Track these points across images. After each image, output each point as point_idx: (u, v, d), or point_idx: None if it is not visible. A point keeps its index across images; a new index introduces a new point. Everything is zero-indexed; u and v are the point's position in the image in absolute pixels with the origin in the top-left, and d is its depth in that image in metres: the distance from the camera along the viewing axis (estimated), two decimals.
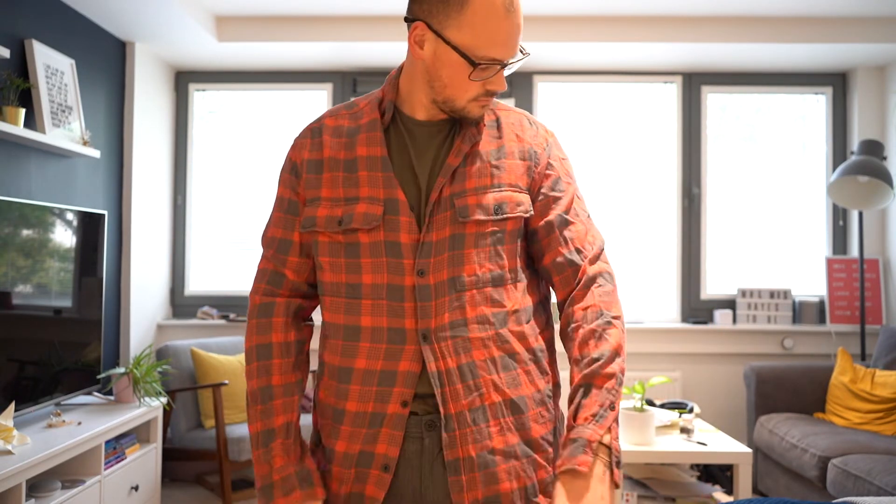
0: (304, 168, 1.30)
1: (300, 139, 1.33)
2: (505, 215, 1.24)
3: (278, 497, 1.22)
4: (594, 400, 1.18)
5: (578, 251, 1.28)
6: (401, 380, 1.20)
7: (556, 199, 1.29)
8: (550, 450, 1.27)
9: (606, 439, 1.16)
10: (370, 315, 1.22)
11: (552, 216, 1.28)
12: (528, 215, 1.27)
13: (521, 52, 1.24)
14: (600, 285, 1.27)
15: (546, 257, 1.29)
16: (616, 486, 1.16)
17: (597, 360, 1.20)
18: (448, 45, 1.19)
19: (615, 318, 1.24)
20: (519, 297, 1.26)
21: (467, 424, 1.20)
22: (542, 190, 1.29)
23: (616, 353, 1.21)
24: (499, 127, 1.32)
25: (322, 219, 1.25)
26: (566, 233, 1.28)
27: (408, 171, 1.26)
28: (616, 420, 1.19)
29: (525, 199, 1.27)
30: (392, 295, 1.21)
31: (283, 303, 1.32)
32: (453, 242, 1.22)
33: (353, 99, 1.38)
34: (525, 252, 1.31)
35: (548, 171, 1.30)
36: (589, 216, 1.34)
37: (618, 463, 1.17)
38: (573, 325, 1.25)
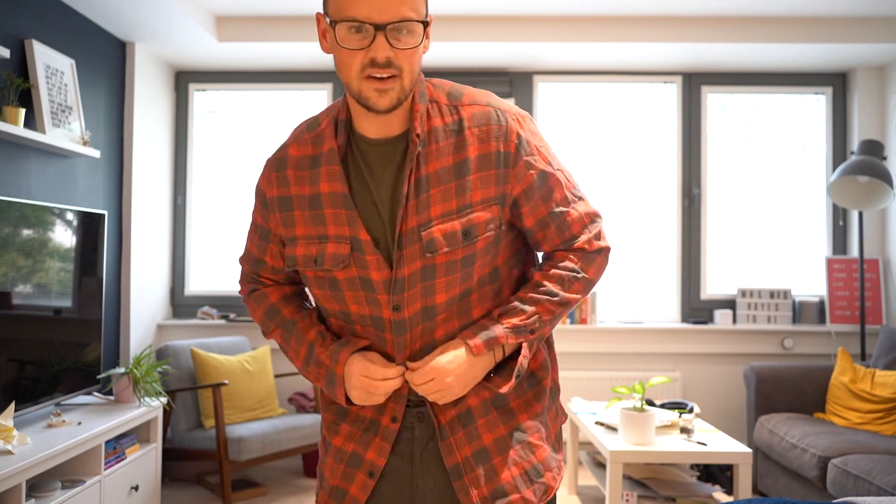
0: (275, 205, 1.29)
1: (266, 171, 1.31)
2: (474, 239, 1.21)
3: (338, 371, 1.26)
4: (524, 315, 1.25)
5: (575, 236, 1.30)
6: (392, 396, 1.28)
7: (545, 195, 1.26)
8: (543, 429, 1.32)
9: (508, 350, 1.27)
10: (365, 336, 1.29)
11: (545, 213, 1.27)
12: (499, 230, 1.23)
13: (380, 25, 1.10)
14: (589, 253, 1.31)
15: (544, 247, 1.32)
16: (495, 387, 1.26)
17: (549, 294, 1.27)
18: (330, 26, 1.15)
19: (587, 278, 1.30)
20: (492, 296, 1.29)
21: (459, 429, 1.27)
22: (527, 191, 1.25)
23: (567, 303, 1.28)
24: (460, 132, 1.21)
25: (301, 258, 1.27)
26: (562, 224, 1.28)
27: (370, 206, 1.22)
28: (528, 343, 1.27)
29: (495, 210, 1.22)
30: (375, 325, 1.26)
31: (271, 286, 1.42)
32: (424, 274, 1.21)
33: (318, 114, 1.30)
34: (509, 244, 1.31)
35: (528, 171, 1.24)
36: (581, 197, 1.32)
37: (517, 375, 1.25)
38: (546, 261, 1.32)
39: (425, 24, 1.15)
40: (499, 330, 1.24)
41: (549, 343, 1.39)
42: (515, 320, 1.24)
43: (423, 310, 1.23)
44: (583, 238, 1.29)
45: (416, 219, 1.19)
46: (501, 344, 1.24)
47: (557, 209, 1.28)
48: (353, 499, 1.30)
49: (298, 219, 1.26)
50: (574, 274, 1.29)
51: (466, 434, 1.26)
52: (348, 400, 1.28)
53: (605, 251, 1.32)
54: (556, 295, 1.27)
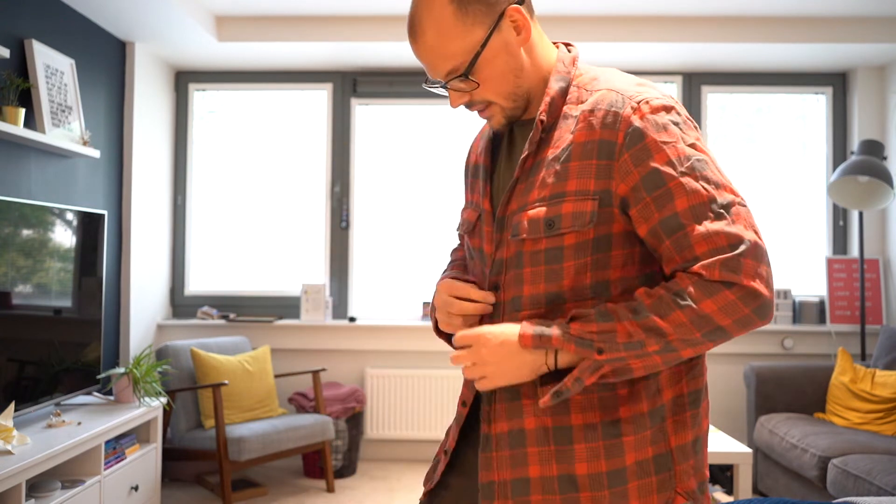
0: (466, 172, 1.39)
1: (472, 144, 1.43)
2: (559, 231, 1.09)
3: (434, 295, 1.27)
4: (597, 327, 1.04)
5: (697, 258, 1.04)
6: (466, 381, 1.26)
7: (660, 200, 1.05)
8: (605, 493, 1.09)
9: (565, 360, 1.07)
10: None
11: (656, 221, 1.06)
12: (590, 226, 1.08)
13: (441, 83, 1.16)
14: (708, 281, 1.04)
15: (665, 266, 1.10)
16: (538, 397, 1.11)
17: (635, 312, 1.04)
18: None
19: (696, 309, 1.02)
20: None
21: (505, 447, 1.14)
22: (634, 191, 1.07)
23: (656, 330, 1.02)
24: (579, 115, 1.13)
25: (461, 220, 1.34)
26: (680, 239, 1.05)
27: (504, 182, 1.24)
28: (597, 364, 1.05)
29: (590, 206, 1.08)
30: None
31: None
32: (518, 260, 1.14)
33: None
34: (634, 259, 1.12)
35: (635, 168, 1.06)
36: (725, 216, 1.04)
37: (556, 394, 1.06)
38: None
39: (476, 56, 1.12)
40: (557, 331, 1.06)
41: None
42: (584, 329, 1.05)
43: (512, 299, 1.15)
44: (706, 262, 1.02)
45: (518, 202, 1.15)
46: (555, 348, 1.06)
47: (675, 220, 1.04)
48: (431, 476, 1.30)
49: (467, 185, 1.36)
50: (677, 298, 1.02)
51: (512, 456, 1.13)
52: (437, 327, 1.31)
53: (739, 288, 1.00)
54: (641, 314, 1.03)
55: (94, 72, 3.76)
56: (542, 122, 1.15)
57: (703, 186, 1.05)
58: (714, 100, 4.65)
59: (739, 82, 4.61)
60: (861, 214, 4.15)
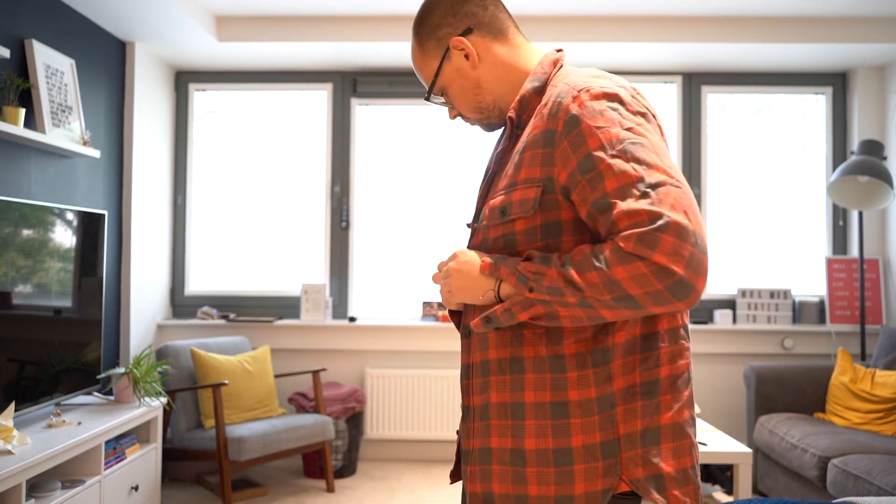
0: None
1: None
2: (510, 217, 1.18)
3: None
4: (535, 269, 1.12)
5: (619, 233, 1.08)
6: (462, 369, 1.32)
7: (593, 181, 1.10)
8: (550, 469, 1.14)
9: (505, 291, 1.17)
10: None
11: (590, 204, 1.11)
12: (533, 212, 1.15)
13: (433, 98, 1.36)
14: (622, 252, 1.07)
15: None
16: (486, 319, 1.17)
17: (564, 263, 1.10)
18: None
19: (607, 273, 1.05)
20: None
21: (478, 418, 1.23)
22: (572, 175, 1.12)
23: (573, 284, 1.07)
24: (538, 109, 1.23)
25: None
26: (608, 218, 1.08)
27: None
28: (528, 302, 1.12)
29: (533, 193, 1.15)
30: None
31: None
32: (484, 247, 1.26)
33: None
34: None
35: (573, 154, 1.12)
36: (650, 195, 1.05)
37: (486, 319, 1.17)
38: None
39: (434, 83, 1.33)
40: (507, 264, 1.15)
41: (611, 354, 1.16)
42: (527, 267, 1.12)
43: None
44: (625, 233, 1.04)
45: (492, 194, 1.27)
46: (500, 279, 1.16)
47: (604, 200, 1.08)
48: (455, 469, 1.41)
49: None
50: (594, 259, 1.06)
51: (482, 427, 1.22)
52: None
53: (651, 263, 1.02)
54: (566, 266, 1.08)
55: (94, 72, 3.76)
56: (511, 118, 1.27)
57: (633, 167, 1.08)
58: (714, 100, 4.65)
59: (739, 82, 4.61)
60: (861, 214, 4.15)
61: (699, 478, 1.21)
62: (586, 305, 1.08)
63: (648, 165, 1.08)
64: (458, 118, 1.39)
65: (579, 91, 1.15)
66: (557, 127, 1.14)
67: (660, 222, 1.02)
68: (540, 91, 1.25)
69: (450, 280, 1.22)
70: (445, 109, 1.28)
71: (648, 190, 1.06)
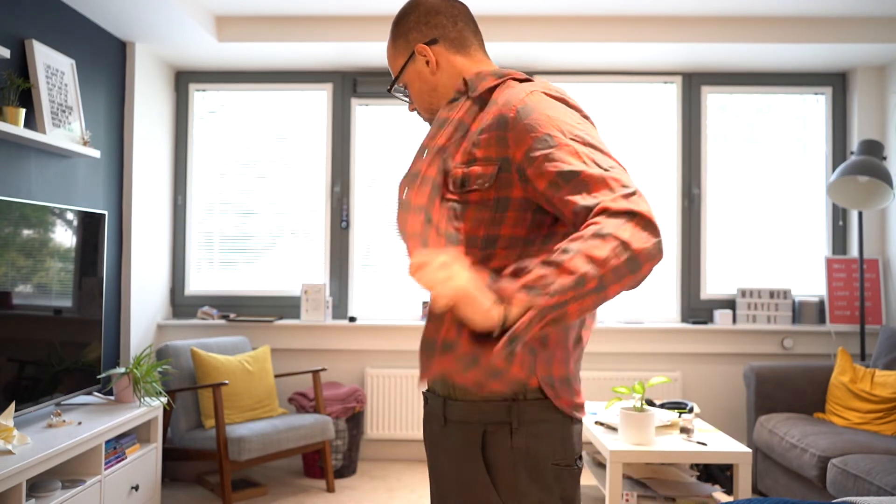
0: None
1: None
2: (468, 189, 1.29)
3: None
4: (538, 276, 1.10)
5: (597, 198, 1.13)
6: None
7: (551, 156, 1.19)
8: (477, 349, 1.17)
9: (514, 313, 1.09)
10: None
11: (553, 172, 1.18)
12: (486, 187, 1.27)
13: (396, 88, 1.48)
14: (616, 213, 1.11)
15: (567, 213, 1.19)
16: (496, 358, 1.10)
17: (564, 250, 1.09)
18: None
19: (615, 237, 1.08)
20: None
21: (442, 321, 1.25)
22: (528, 153, 1.22)
23: (587, 258, 1.07)
24: (483, 105, 1.37)
25: None
26: (578, 184, 1.15)
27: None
28: (540, 318, 1.08)
29: (492, 169, 1.26)
30: None
31: None
32: (420, 212, 1.38)
33: None
34: (524, 222, 1.26)
35: (528, 135, 1.23)
36: (610, 169, 1.16)
37: (511, 340, 1.08)
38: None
39: (396, 78, 1.46)
40: (507, 284, 1.13)
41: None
42: (527, 280, 1.11)
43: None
44: (608, 198, 1.11)
45: (431, 159, 1.38)
46: (506, 302, 1.11)
47: (569, 168, 1.17)
48: None
49: None
50: (597, 235, 1.08)
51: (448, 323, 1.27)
52: None
53: (641, 217, 1.09)
54: (571, 252, 1.08)
55: (95, 72, 3.76)
56: (465, 81, 1.39)
57: (590, 150, 1.20)
58: (714, 100, 4.66)
59: (739, 82, 4.62)
60: (861, 214, 4.15)
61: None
62: (600, 288, 1.08)
63: (602, 151, 1.20)
64: (415, 112, 1.51)
65: (532, 91, 1.29)
66: (510, 112, 1.27)
67: (630, 189, 1.14)
68: (499, 75, 1.38)
69: (451, 268, 1.11)
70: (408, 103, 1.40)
71: (608, 167, 1.18)
